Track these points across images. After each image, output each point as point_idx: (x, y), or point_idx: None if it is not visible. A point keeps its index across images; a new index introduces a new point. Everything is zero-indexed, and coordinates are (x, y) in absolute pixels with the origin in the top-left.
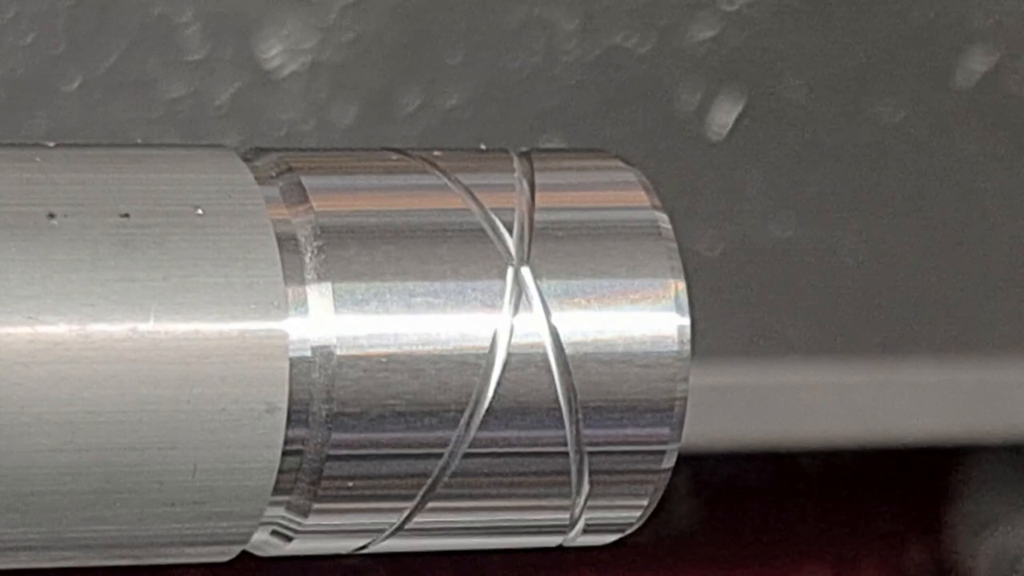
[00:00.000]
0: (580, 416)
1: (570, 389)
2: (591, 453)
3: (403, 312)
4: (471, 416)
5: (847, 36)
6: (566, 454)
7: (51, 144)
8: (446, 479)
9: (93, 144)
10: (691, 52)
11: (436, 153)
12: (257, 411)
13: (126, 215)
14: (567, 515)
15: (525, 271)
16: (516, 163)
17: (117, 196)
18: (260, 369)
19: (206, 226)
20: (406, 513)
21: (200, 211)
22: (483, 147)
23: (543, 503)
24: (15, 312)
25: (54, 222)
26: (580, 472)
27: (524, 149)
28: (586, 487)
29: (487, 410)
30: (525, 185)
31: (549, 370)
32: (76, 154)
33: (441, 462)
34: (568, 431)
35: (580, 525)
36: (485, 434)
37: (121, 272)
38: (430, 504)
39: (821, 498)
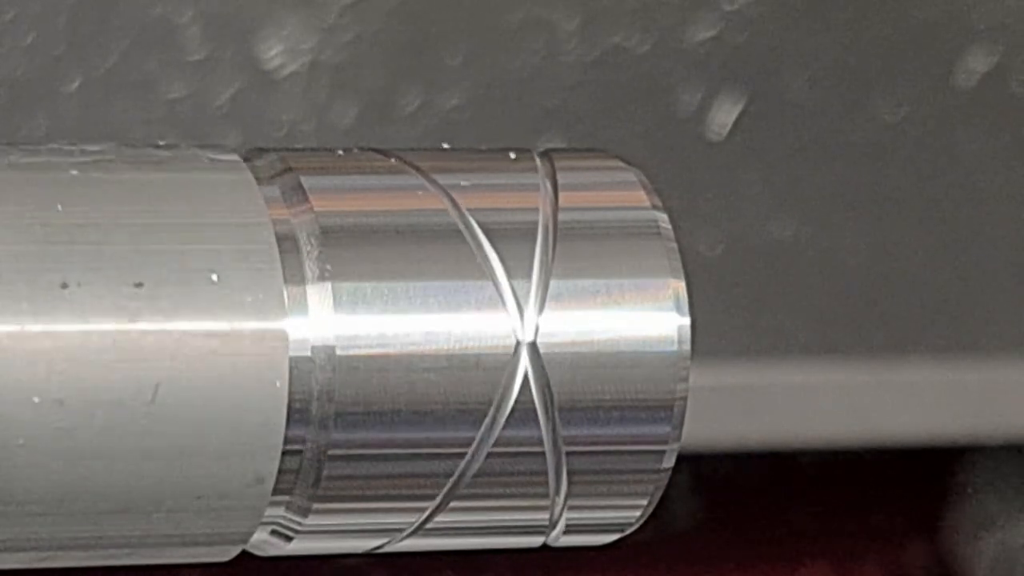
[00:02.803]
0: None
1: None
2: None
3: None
4: (494, 416)
5: (847, 35)
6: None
7: (73, 170)
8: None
9: (111, 171)
10: (691, 52)
11: (436, 153)
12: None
13: (140, 284)
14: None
15: None
16: (520, 163)
17: (133, 262)
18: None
19: (217, 284)
20: (427, 513)
21: (215, 276)
22: (510, 151)
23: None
24: (19, 385)
25: (66, 292)
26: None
27: (539, 150)
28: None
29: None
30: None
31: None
32: (95, 212)
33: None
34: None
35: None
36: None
37: (129, 350)
38: (452, 504)
39: (821, 498)
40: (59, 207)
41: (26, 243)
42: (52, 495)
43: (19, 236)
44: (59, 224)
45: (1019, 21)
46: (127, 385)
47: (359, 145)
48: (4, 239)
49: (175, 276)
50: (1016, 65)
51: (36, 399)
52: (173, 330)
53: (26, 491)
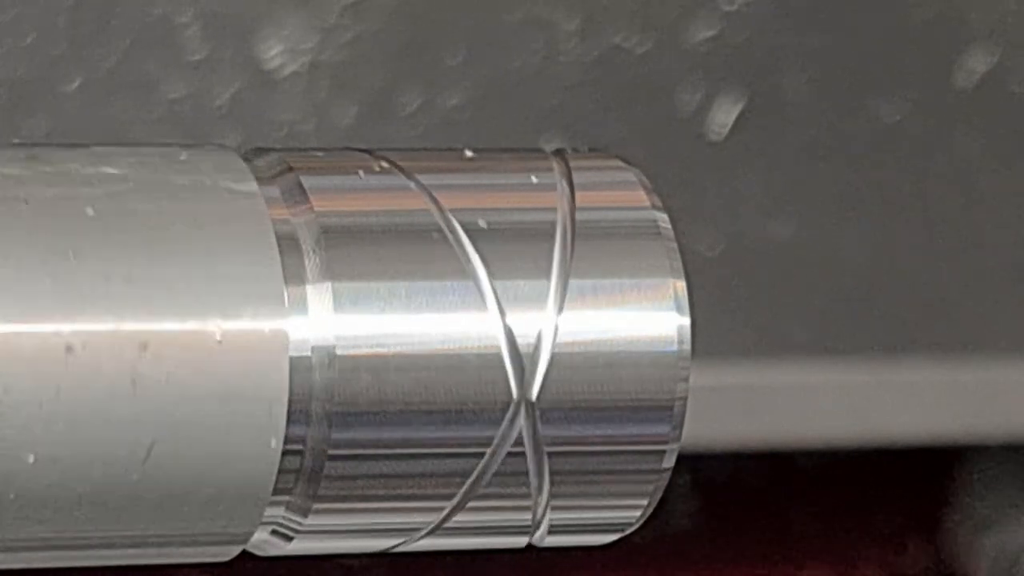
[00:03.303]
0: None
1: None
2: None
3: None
4: (513, 415)
5: (847, 35)
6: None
7: (89, 208)
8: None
9: (126, 210)
10: (691, 52)
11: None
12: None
13: (145, 346)
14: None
15: None
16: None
17: (139, 319)
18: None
19: (221, 342)
20: (445, 512)
21: (219, 337)
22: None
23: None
24: (15, 443)
25: (71, 354)
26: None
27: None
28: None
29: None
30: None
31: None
32: (106, 264)
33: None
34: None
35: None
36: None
37: (129, 412)
38: (471, 504)
39: (821, 498)
40: (71, 255)
41: (35, 298)
42: (43, 535)
43: (29, 289)
44: (70, 278)
45: (1019, 21)
46: (125, 443)
47: (361, 146)
48: (15, 292)
49: (181, 336)
50: (1016, 65)
51: (31, 458)
52: (175, 394)
53: (17, 533)
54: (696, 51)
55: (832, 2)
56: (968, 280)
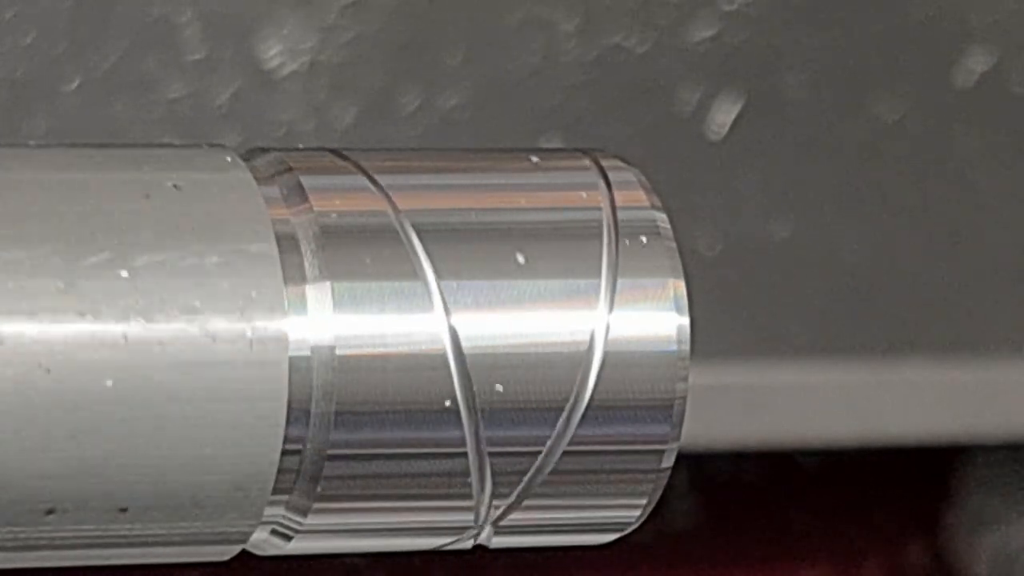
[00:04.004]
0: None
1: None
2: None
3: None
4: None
5: (846, 35)
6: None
7: (110, 383)
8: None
9: (153, 364)
10: (690, 52)
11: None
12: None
13: (124, 509)
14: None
15: None
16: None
17: (119, 487)
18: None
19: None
20: (502, 508)
21: (199, 507)
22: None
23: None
24: None
25: (51, 518)
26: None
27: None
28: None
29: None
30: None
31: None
32: (104, 449)
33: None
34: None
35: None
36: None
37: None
38: (528, 502)
39: (821, 498)
40: (77, 441)
41: (27, 465)
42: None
43: (25, 465)
44: (67, 461)
45: (1019, 21)
46: None
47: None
48: (11, 457)
49: (162, 502)
50: (1015, 65)
51: None
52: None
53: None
54: (696, 51)
55: (832, 2)
56: (968, 280)
